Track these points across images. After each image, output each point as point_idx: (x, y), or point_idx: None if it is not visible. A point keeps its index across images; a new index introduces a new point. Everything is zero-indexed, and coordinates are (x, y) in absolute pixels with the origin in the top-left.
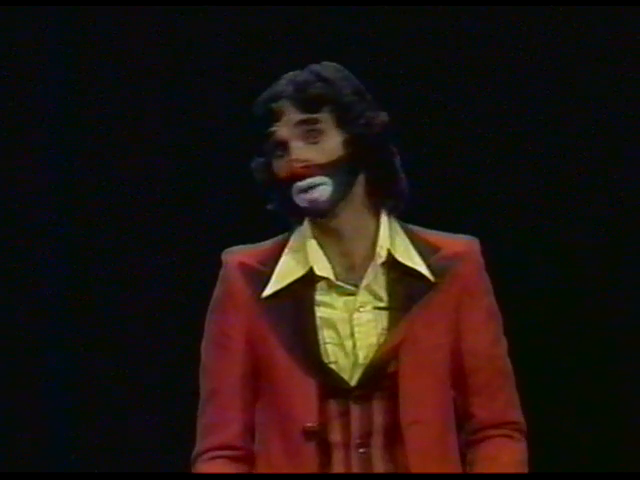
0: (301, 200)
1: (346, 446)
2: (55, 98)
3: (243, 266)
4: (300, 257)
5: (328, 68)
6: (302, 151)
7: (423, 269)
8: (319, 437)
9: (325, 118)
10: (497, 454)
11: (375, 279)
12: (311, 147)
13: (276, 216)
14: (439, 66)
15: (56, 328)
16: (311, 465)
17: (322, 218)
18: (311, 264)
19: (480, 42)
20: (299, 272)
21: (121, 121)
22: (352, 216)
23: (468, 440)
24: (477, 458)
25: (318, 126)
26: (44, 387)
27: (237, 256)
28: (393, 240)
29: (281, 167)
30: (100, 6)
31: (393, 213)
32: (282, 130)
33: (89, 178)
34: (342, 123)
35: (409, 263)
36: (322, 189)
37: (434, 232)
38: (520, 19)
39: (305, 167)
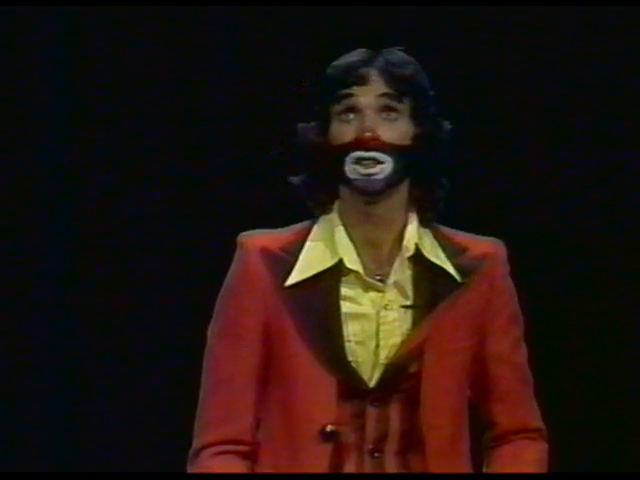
0: (355, 172)
1: (359, 449)
2: (56, 97)
3: (264, 251)
4: (328, 247)
5: (408, 57)
6: (376, 123)
7: (449, 267)
8: (336, 439)
9: (406, 102)
10: (518, 453)
11: (402, 274)
12: (385, 123)
13: (286, 206)
14: (453, 64)
15: (56, 324)
16: (321, 467)
17: (370, 196)
18: (341, 256)
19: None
20: (327, 263)
21: (124, 110)
22: (389, 208)
23: (488, 446)
24: (496, 458)
25: (398, 105)
26: (44, 385)
27: (257, 240)
28: (421, 236)
29: (347, 131)
30: (100, 6)
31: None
32: (363, 95)
33: (92, 171)
34: (417, 115)
35: (436, 260)
36: (382, 167)
37: (459, 232)
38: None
39: (374, 139)
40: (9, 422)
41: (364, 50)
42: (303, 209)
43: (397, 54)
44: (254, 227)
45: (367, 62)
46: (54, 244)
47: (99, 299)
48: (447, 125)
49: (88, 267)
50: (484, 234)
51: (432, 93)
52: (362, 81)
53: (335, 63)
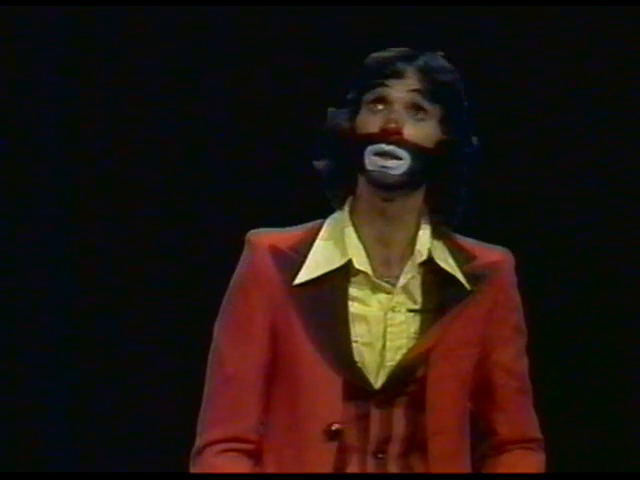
0: (374, 163)
1: (362, 450)
2: (57, 97)
3: (274, 249)
4: (337, 246)
5: (449, 64)
6: (403, 118)
7: (459, 275)
8: (340, 439)
9: (437, 106)
10: (516, 463)
11: (412, 278)
12: (411, 121)
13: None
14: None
15: (60, 314)
16: (325, 467)
17: (386, 191)
18: (350, 256)
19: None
20: (336, 262)
21: (124, 107)
22: (404, 208)
23: (486, 454)
24: (494, 467)
25: (428, 106)
26: (44, 383)
27: (266, 238)
28: (433, 241)
29: (373, 121)
30: (100, 5)
31: (437, 231)
32: (396, 88)
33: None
34: (445, 122)
35: (447, 267)
36: (399, 163)
37: (468, 239)
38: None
39: (397, 132)
40: (9, 422)
41: (406, 48)
42: (310, 209)
43: (439, 59)
44: (261, 225)
45: (407, 59)
46: (57, 238)
47: (103, 296)
48: (475, 140)
49: (91, 264)
50: (491, 243)
51: (466, 104)
52: (397, 75)
53: (375, 54)
